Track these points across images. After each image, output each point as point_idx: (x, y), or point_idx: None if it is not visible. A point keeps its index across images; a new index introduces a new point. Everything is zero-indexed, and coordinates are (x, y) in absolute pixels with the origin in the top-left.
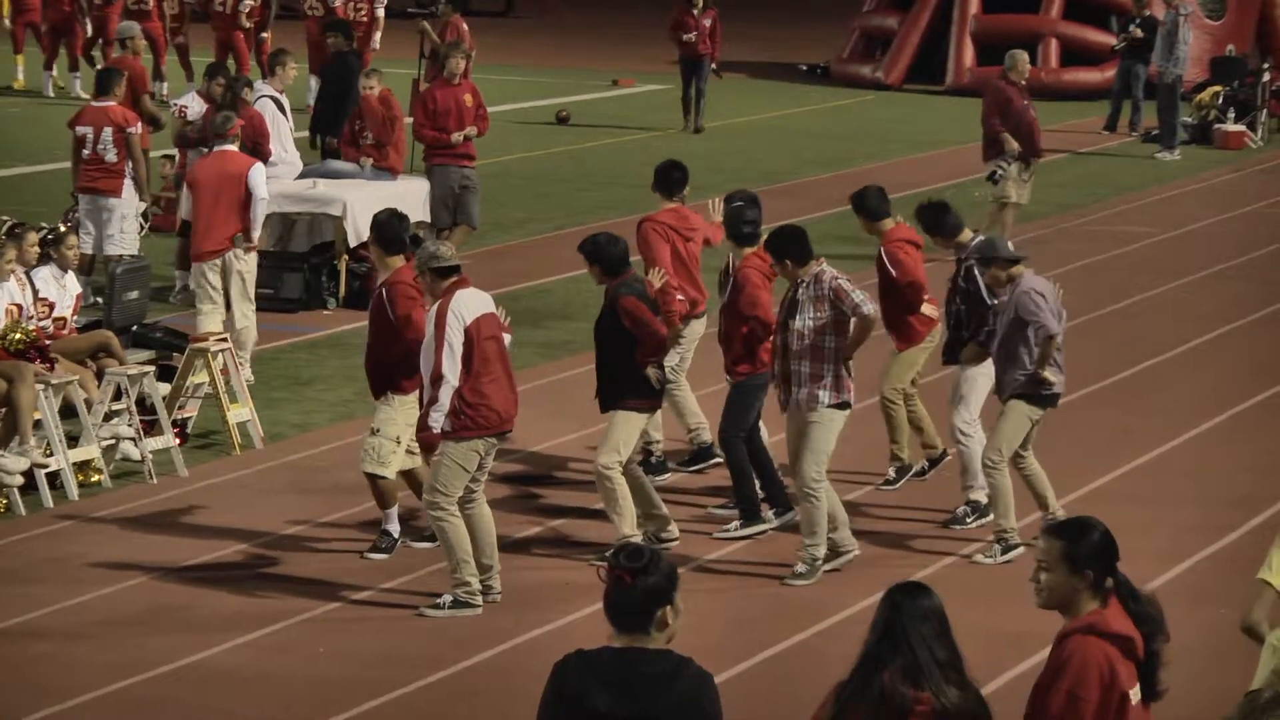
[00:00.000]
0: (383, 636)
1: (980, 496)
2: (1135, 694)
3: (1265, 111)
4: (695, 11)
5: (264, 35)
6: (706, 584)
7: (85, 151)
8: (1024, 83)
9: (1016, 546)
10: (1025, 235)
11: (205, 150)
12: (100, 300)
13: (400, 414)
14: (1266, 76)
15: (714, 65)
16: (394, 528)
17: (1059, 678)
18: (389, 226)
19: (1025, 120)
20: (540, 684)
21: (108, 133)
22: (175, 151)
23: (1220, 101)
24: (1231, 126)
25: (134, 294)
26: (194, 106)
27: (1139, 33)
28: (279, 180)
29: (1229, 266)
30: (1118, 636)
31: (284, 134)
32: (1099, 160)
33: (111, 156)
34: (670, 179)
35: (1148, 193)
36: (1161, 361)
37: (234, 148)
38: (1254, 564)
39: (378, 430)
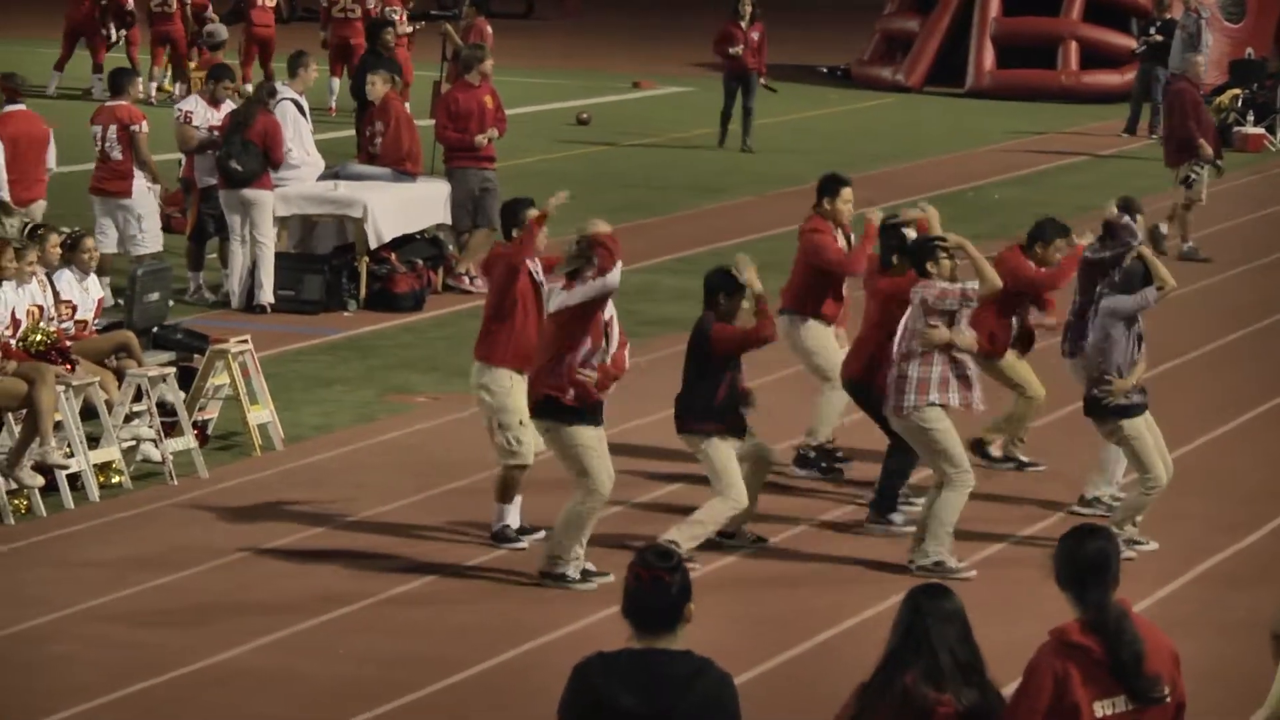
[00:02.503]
0: (403, 638)
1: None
2: (1106, 706)
3: None
4: (743, 24)
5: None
6: (726, 586)
7: (96, 150)
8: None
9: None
10: None
11: (213, 153)
12: (121, 302)
13: (513, 398)
14: None
15: (763, 80)
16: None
17: (1023, 678)
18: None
19: (1208, 121)
20: (561, 685)
21: (113, 130)
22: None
23: (1239, 104)
24: (1251, 129)
25: (155, 295)
26: (199, 111)
27: (1159, 36)
28: (300, 182)
29: (1249, 269)
30: (1076, 647)
31: (305, 135)
32: (1119, 163)
33: (117, 155)
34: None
35: (1167, 195)
36: (1182, 363)
37: (24, 107)
38: (1270, 567)
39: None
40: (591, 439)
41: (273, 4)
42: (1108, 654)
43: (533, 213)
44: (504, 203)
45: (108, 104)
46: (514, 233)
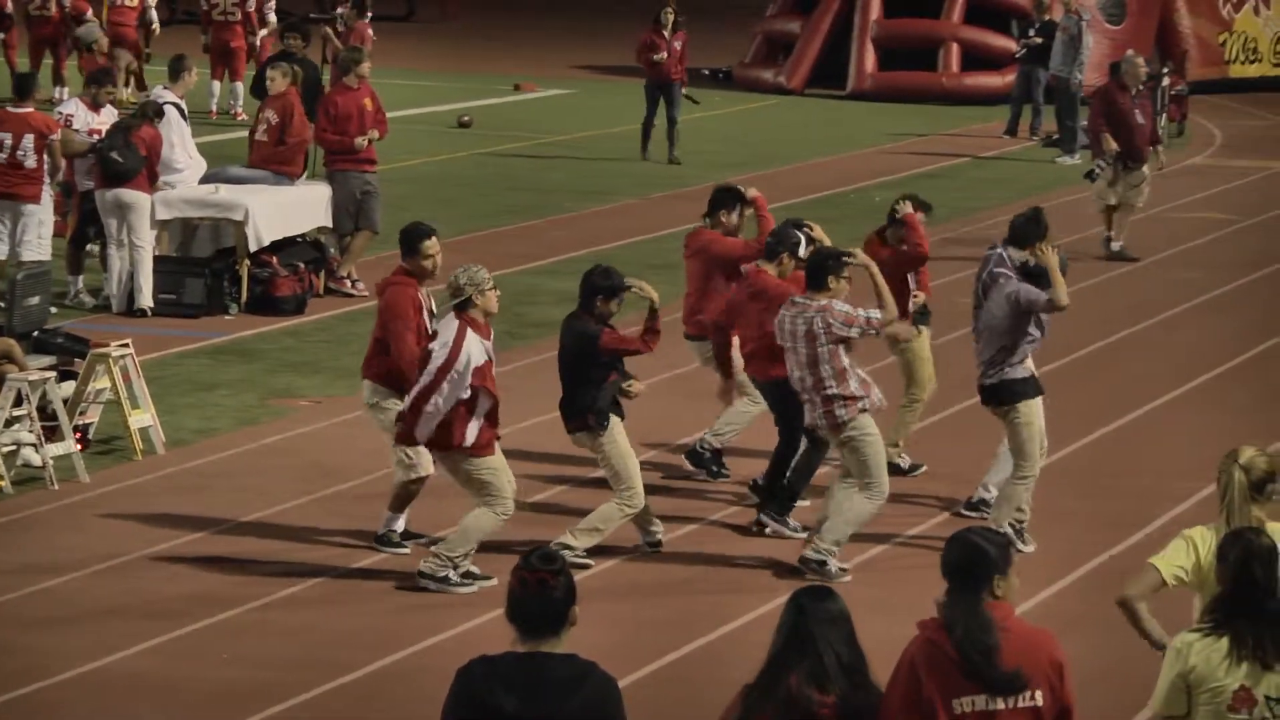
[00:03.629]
0: (287, 641)
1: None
2: (965, 704)
3: (1164, 116)
4: (666, 32)
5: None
6: (611, 589)
7: (1, 156)
8: (1140, 86)
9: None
10: (934, 237)
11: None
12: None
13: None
14: (1166, 81)
15: (684, 90)
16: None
17: (892, 672)
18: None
19: (1128, 122)
20: (444, 687)
21: (29, 139)
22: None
23: None
24: None
25: (35, 299)
26: (79, 115)
27: (1038, 39)
28: (181, 185)
29: (1128, 271)
30: (933, 643)
31: (186, 139)
32: (1001, 164)
33: (31, 163)
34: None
35: (1049, 196)
36: (1069, 363)
37: None
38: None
39: None
40: (495, 462)
41: (134, 4)
42: (955, 648)
43: (430, 244)
44: (405, 227)
45: (15, 110)
46: (412, 255)
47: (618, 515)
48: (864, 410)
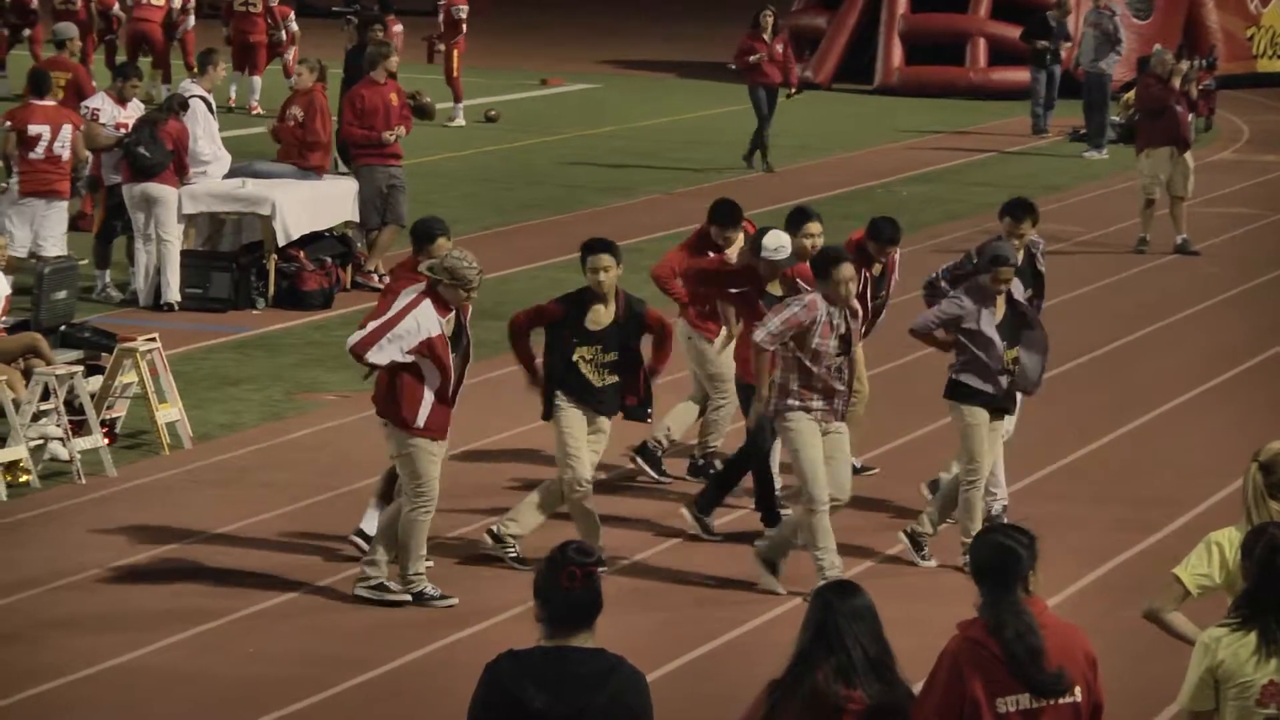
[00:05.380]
0: (311, 637)
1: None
2: (1009, 704)
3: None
4: (765, 36)
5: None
6: (636, 584)
7: (36, 152)
8: (1168, 75)
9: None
10: (952, 234)
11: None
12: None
13: None
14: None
15: (791, 92)
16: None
17: (930, 673)
18: (418, 227)
19: (1169, 111)
20: (469, 683)
21: (66, 131)
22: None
23: None
24: None
25: (62, 294)
26: (106, 109)
27: (1067, 43)
28: (208, 179)
29: (1149, 266)
30: (976, 643)
31: (213, 133)
32: (1027, 159)
33: (67, 155)
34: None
35: (1076, 191)
36: (1089, 360)
37: None
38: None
39: None
40: (435, 449)
41: (160, 1)
42: (1003, 650)
43: (441, 244)
44: (417, 221)
45: (42, 104)
46: (422, 252)
47: (555, 488)
48: (797, 409)
